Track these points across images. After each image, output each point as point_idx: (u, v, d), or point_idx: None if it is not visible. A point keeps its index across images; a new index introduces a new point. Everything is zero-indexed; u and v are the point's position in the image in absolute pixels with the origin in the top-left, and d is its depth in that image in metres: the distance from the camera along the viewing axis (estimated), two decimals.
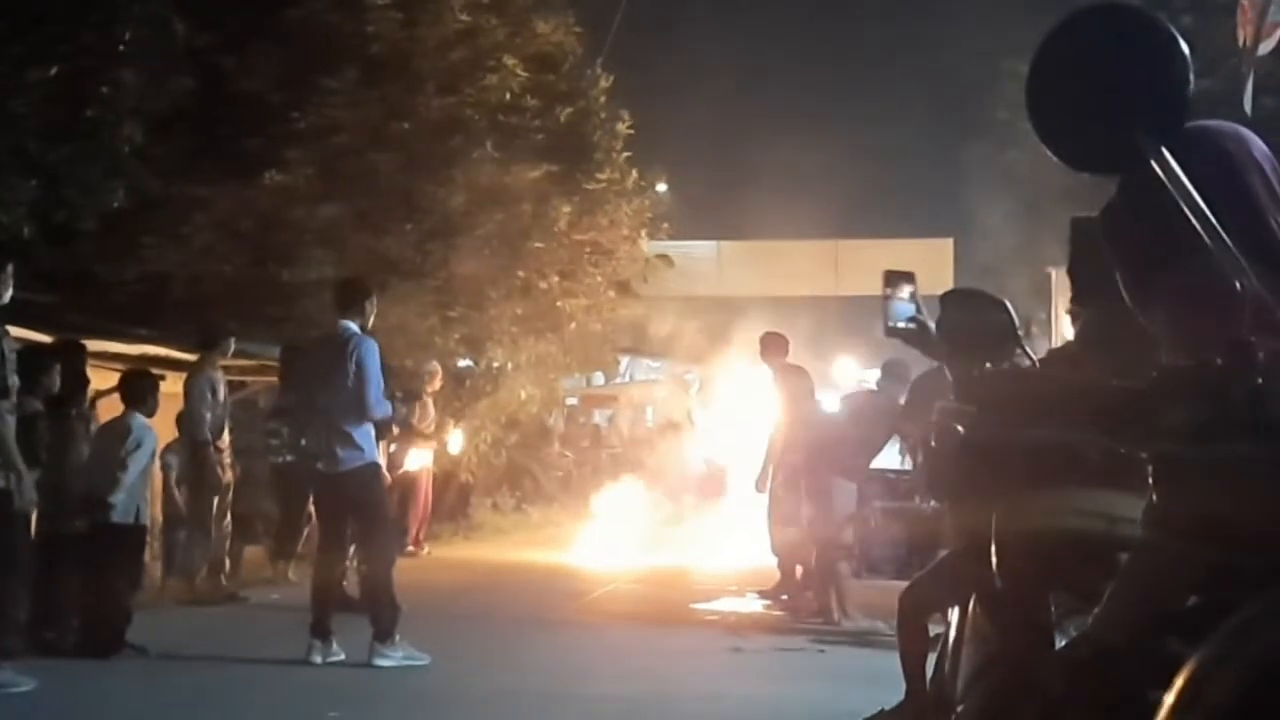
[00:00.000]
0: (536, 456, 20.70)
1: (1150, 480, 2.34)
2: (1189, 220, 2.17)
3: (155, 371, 9.88)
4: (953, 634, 3.67)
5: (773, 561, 11.41)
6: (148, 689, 7.64)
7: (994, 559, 2.99)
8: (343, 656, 8.14)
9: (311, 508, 10.21)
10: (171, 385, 10.33)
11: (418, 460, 13.96)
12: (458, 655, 8.46)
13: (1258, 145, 2.45)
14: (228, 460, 11.04)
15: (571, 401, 24.79)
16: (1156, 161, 2.19)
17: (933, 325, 3.61)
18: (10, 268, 7.60)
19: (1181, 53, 2.25)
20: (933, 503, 4.61)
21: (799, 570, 10.84)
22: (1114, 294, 2.64)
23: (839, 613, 9.92)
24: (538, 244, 16.59)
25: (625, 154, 18.82)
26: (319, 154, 14.67)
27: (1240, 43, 13.53)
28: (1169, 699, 1.99)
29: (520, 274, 16.55)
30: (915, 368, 7.92)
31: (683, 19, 27.53)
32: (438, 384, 14.38)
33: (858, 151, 27.83)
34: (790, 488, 10.66)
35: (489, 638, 9.48)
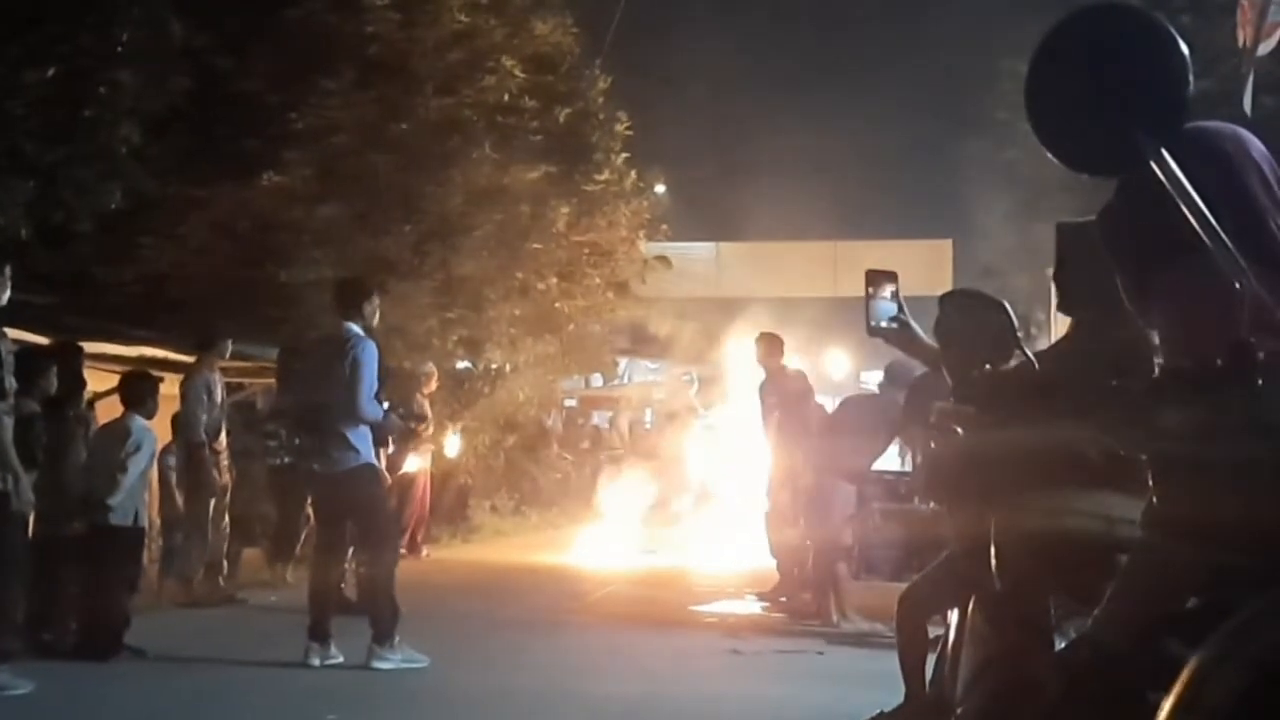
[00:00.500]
0: (535, 458, 20.69)
1: (1150, 481, 2.34)
2: (1188, 221, 2.17)
3: (153, 373, 9.86)
4: (952, 635, 3.67)
5: (771, 563, 11.40)
6: (146, 691, 7.62)
7: (993, 560, 2.99)
8: (341, 659, 8.13)
9: (310, 510, 10.19)
10: (169, 387, 10.31)
11: (415, 463, 13.95)
12: (457, 657, 8.44)
13: (1256, 146, 2.45)
14: (225, 462, 11.02)
15: (570, 403, 24.78)
16: (1156, 162, 2.18)
17: (915, 324, 3.61)
18: (7, 269, 7.58)
19: (1181, 53, 2.24)
20: (932, 504, 4.60)
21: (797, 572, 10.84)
22: (1101, 300, 2.63)
23: (838, 614, 9.91)
24: (536, 245, 16.57)
25: (624, 155, 18.80)
26: (317, 155, 14.65)
27: (1240, 43, 13.51)
28: (1169, 700, 1.99)
29: (519, 275, 16.54)
30: (918, 370, 7.90)
31: (681, 19, 27.50)
32: (434, 385, 14.36)
33: (856, 152, 27.79)
34: (789, 490, 10.65)
35: (488, 640, 9.47)
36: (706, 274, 27.34)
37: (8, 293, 7.56)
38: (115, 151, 12.02)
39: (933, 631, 4.85)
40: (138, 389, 9.05)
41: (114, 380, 9.54)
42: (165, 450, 10.46)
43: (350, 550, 9.14)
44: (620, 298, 19.34)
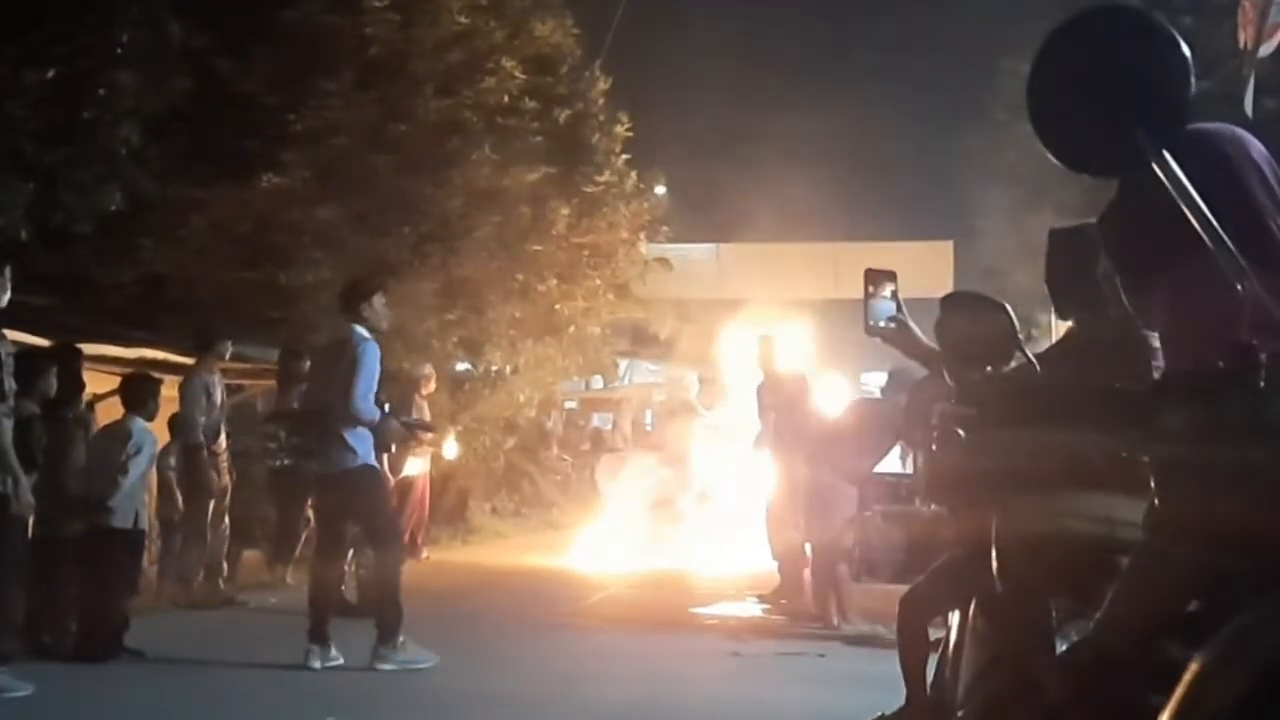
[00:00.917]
0: (535, 460, 20.67)
1: (1152, 484, 2.33)
2: (1189, 222, 2.16)
3: (154, 375, 9.86)
4: (953, 638, 3.66)
5: (772, 566, 11.39)
6: (145, 693, 7.62)
7: (995, 563, 2.98)
8: (341, 661, 8.13)
9: (310, 511, 10.18)
10: (168, 389, 10.31)
11: (415, 465, 13.93)
12: (456, 659, 8.43)
13: (1257, 147, 2.44)
14: (225, 464, 11.02)
15: (570, 405, 24.75)
16: (1157, 163, 2.18)
17: (913, 324, 3.61)
18: (7, 270, 7.57)
19: (1182, 54, 2.24)
20: (933, 507, 4.59)
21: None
22: (1094, 305, 2.63)
23: (838, 617, 9.90)
24: (536, 246, 16.57)
25: (624, 156, 18.80)
26: (316, 156, 14.65)
27: (1241, 44, 13.51)
28: (1171, 703, 1.98)
29: (519, 276, 16.53)
30: (920, 374, 7.89)
31: (682, 21, 27.53)
32: (432, 387, 14.34)
33: (858, 154, 27.82)
34: (789, 491, 10.64)
35: (488, 642, 9.46)
36: (707, 275, 27.32)
37: (7, 294, 7.54)
38: (115, 153, 12.00)
39: (934, 634, 4.84)
40: (139, 391, 9.06)
41: (113, 382, 9.54)
42: (164, 451, 10.46)
43: (350, 552, 9.13)
44: (620, 299, 19.31)
